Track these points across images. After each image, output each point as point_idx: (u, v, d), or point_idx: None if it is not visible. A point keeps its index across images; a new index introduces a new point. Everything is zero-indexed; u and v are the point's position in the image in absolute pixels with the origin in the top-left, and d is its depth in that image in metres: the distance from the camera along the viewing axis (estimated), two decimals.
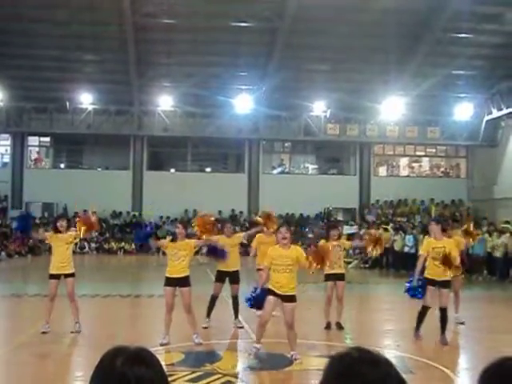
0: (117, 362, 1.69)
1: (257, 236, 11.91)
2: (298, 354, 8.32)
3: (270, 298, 8.25)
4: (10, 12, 25.01)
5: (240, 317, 10.99)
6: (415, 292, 9.92)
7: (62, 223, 10.55)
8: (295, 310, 8.33)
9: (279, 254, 8.28)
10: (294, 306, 8.27)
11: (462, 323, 11.76)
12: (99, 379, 1.71)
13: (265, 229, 11.63)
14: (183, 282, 9.38)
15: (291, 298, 8.24)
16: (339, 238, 11.35)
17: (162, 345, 9.08)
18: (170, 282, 9.43)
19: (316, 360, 8.33)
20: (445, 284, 9.86)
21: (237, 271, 11.11)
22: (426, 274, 9.89)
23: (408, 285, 10.07)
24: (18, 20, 25.36)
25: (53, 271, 10.34)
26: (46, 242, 10.73)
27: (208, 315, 10.92)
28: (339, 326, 10.98)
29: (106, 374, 1.70)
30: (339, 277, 11.09)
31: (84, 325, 10.43)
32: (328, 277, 10.98)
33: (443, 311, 9.83)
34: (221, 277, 11.02)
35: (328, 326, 10.97)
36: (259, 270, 10.39)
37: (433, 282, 9.83)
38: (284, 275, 8.20)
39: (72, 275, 10.42)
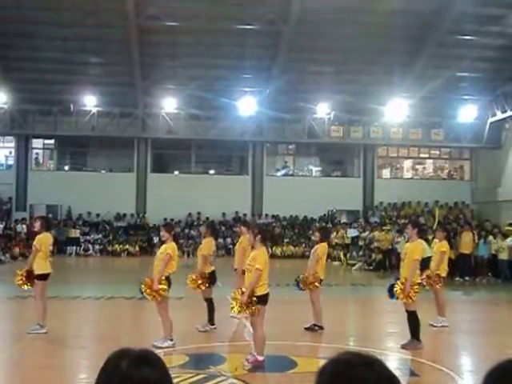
0: (122, 364, 1.69)
1: (242, 238, 12.19)
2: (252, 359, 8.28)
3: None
4: (14, 14, 25.05)
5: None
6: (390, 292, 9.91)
7: (35, 224, 10.98)
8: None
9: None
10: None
11: (434, 325, 11.45)
12: (105, 381, 1.72)
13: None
14: None
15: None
16: (320, 241, 11.32)
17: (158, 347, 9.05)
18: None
19: (319, 362, 8.32)
20: None
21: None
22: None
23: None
24: (22, 22, 25.38)
25: None
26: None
27: (211, 322, 10.97)
28: (311, 328, 10.87)
29: (111, 376, 1.70)
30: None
31: (88, 327, 10.44)
32: None
33: (407, 314, 9.73)
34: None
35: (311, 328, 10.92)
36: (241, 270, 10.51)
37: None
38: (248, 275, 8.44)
39: (36, 277, 10.50)
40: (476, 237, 22.45)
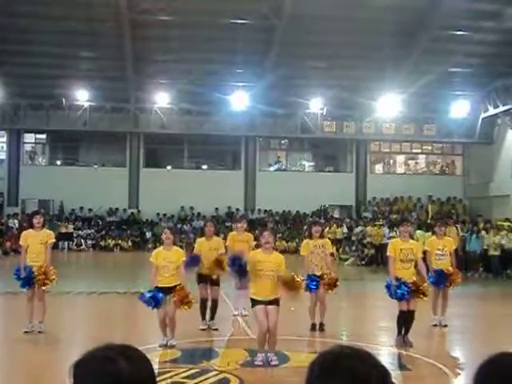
0: (100, 360, 1.66)
1: (230, 234, 12.03)
2: (274, 356, 8.20)
3: (260, 307, 8.04)
4: (5, 8, 24.88)
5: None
6: (394, 291, 9.45)
7: (39, 220, 10.23)
8: (278, 315, 8.10)
9: (263, 258, 8.15)
10: (277, 309, 8.10)
11: (446, 326, 11.24)
12: (82, 377, 1.68)
13: (238, 225, 11.89)
14: (172, 290, 9.01)
15: (276, 301, 8.10)
16: (322, 236, 11.00)
17: (161, 346, 8.96)
18: (162, 291, 9.01)
19: (312, 357, 8.31)
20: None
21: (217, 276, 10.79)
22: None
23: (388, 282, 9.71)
24: (13, 16, 25.22)
25: None
26: (23, 245, 10.22)
27: (203, 318, 10.70)
28: (321, 328, 10.52)
29: (88, 372, 1.67)
30: (322, 277, 10.71)
31: (80, 322, 10.42)
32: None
33: (411, 313, 9.45)
34: (202, 279, 10.62)
35: (313, 328, 10.57)
36: None
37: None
38: (267, 282, 8.04)
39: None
40: (459, 231, 22.48)
